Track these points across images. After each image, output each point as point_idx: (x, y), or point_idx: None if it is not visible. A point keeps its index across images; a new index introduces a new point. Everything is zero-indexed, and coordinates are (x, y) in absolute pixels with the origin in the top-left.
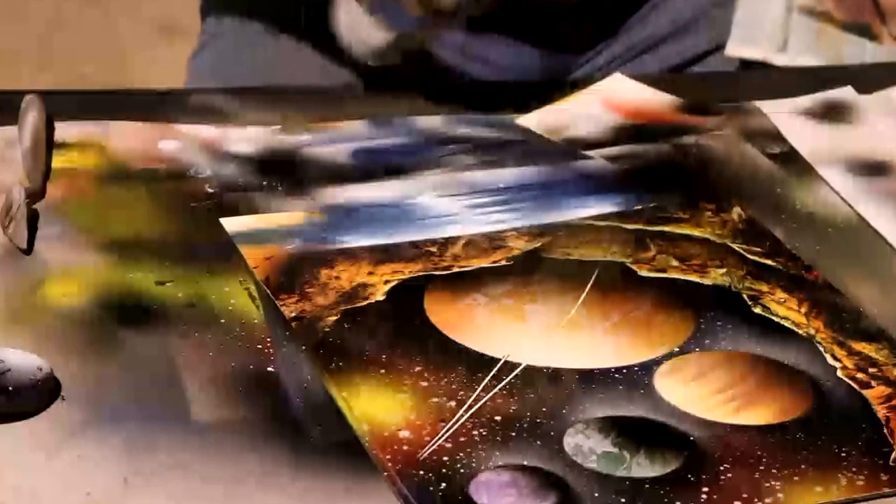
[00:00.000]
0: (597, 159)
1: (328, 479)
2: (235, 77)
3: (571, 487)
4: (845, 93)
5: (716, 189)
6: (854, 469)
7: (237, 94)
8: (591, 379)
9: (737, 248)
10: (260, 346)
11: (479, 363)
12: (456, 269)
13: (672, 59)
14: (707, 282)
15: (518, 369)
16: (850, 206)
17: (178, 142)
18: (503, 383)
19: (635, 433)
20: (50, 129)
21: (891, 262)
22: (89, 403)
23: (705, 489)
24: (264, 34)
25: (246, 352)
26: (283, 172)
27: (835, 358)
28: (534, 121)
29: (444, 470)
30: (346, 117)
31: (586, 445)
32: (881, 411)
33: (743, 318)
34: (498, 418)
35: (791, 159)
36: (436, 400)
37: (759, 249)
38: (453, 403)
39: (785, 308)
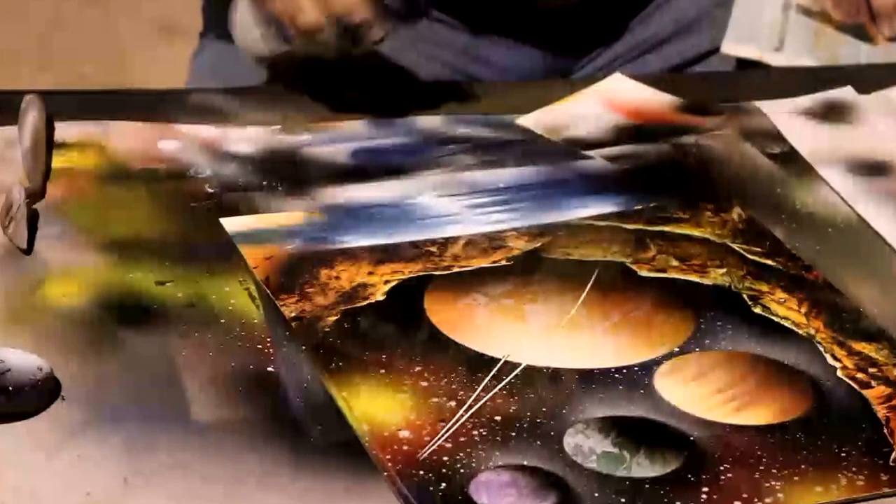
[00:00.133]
0: (597, 159)
1: (328, 479)
2: (235, 77)
3: (571, 487)
4: (845, 93)
5: (716, 189)
6: (854, 469)
7: (237, 94)
8: (591, 379)
9: (737, 248)
10: (260, 346)
11: (479, 363)
12: (456, 269)
13: (672, 59)
14: (707, 282)
15: (518, 369)
16: (850, 206)
17: (178, 142)
18: (503, 383)
19: (635, 433)
20: (50, 129)
21: (891, 262)
22: (89, 403)
23: (705, 489)
24: None
25: (246, 352)
26: (283, 172)
27: (835, 358)
28: (534, 121)
29: (444, 470)
30: (346, 117)
31: (586, 445)
32: (881, 411)
33: (743, 318)
34: (498, 418)
35: (791, 159)
36: (436, 400)
37: (759, 249)
38: (453, 403)
39: (785, 308)
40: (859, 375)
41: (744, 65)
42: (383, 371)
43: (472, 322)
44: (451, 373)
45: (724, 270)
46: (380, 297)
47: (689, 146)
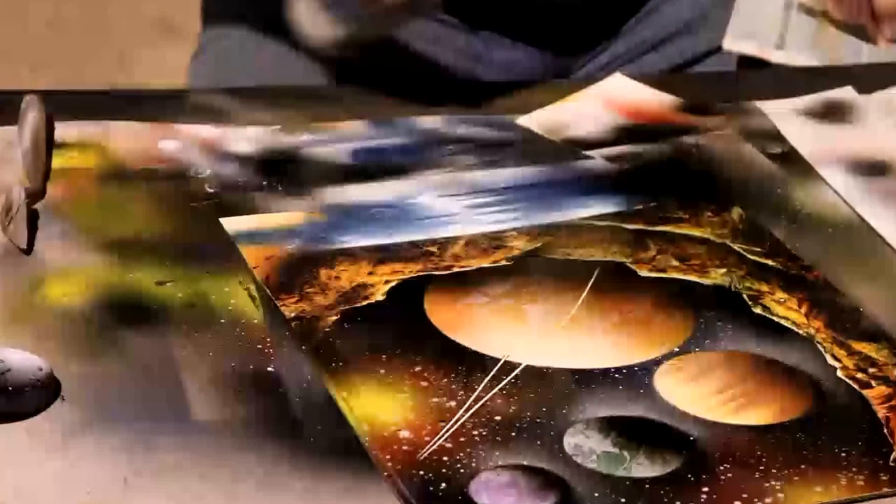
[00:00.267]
0: (597, 159)
1: (328, 479)
2: (235, 80)
3: (571, 487)
4: (845, 93)
5: (716, 189)
6: (854, 469)
7: (237, 94)
8: (591, 379)
9: (737, 248)
10: (260, 346)
11: (479, 363)
12: (456, 269)
13: (672, 59)
14: (707, 282)
15: (518, 369)
16: (850, 206)
17: (178, 142)
18: (503, 383)
19: (635, 433)
20: (50, 129)
21: (891, 262)
22: (89, 403)
23: (705, 489)
24: (263, 38)
25: (246, 352)
26: (283, 172)
27: (835, 358)
28: (534, 121)
29: (444, 470)
30: (347, 117)
31: (586, 445)
32: (881, 411)
33: (743, 318)
34: (498, 418)
35: (791, 159)
36: (436, 400)
37: (759, 249)
38: (453, 403)
39: (785, 308)
40: (859, 375)
41: (745, 62)
42: (383, 371)
43: (472, 322)
44: (451, 373)
45: (724, 270)
46: (380, 297)
47: (689, 146)
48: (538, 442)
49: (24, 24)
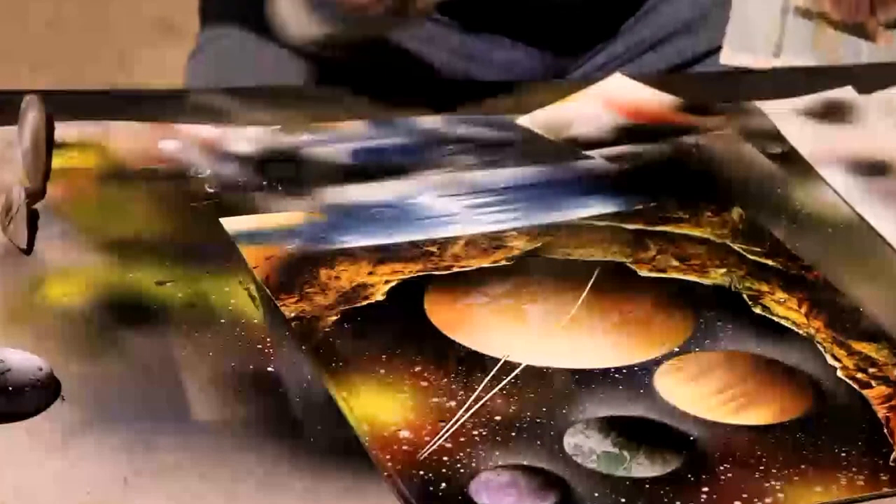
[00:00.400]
0: (597, 159)
1: (328, 479)
2: (233, 80)
3: (571, 487)
4: (845, 93)
5: (716, 189)
6: (854, 469)
7: (237, 94)
8: (592, 379)
9: (737, 248)
10: (260, 346)
11: (479, 363)
12: (456, 269)
13: (671, 59)
14: (707, 282)
15: (518, 369)
16: (850, 206)
17: (178, 142)
18: (503, 383)
19: (635, 433)
20: (50, 129)
21: (891, 262)
22: (89, 403)
23: (705, 489)
24: (261, 38)
25: (246, 352)
26: (283, 172)
27: (835, 358)
28: (534, 121)
29: (444, 470)
30: (347, 117)
31: (586, 445)
32: (881, 411)
33: (743, 318)
34: (498, 418)
35: (791, 159)
36: (436, 400)
37: (759, 249)
38: (453, 403)
39: (785, 308)
40: (859, 375)
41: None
42: (383, 371)
43: (472, 322)
44: (451, 373)
45: (724, 270)
46: (380, 297)
47: (689, 146)
48: (538, 442)
49: (24, 24)
